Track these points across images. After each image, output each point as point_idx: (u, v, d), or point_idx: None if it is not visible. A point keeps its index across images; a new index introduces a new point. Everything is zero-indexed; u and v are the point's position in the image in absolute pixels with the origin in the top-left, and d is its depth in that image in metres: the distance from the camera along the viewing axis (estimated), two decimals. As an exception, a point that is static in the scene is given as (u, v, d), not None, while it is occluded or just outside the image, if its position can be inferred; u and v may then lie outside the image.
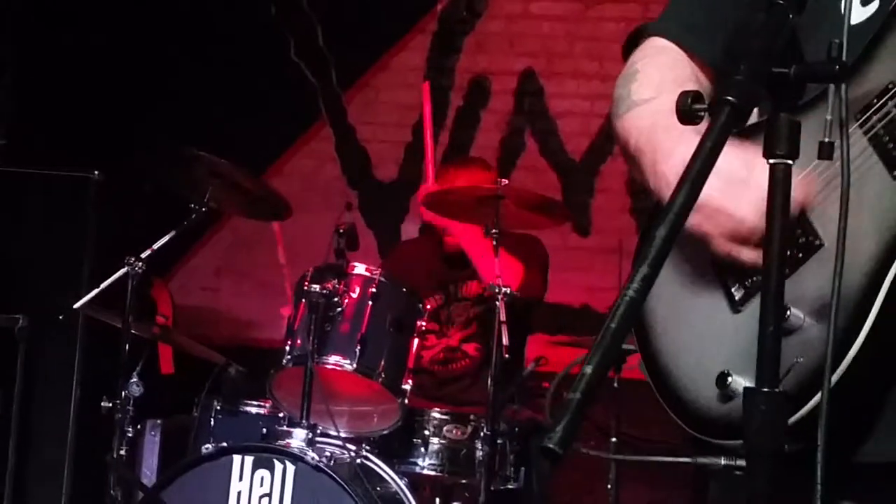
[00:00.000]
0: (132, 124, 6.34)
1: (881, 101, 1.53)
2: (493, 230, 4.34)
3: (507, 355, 4.21)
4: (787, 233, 1.37)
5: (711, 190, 1.43)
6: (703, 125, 1.29)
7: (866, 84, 1.56)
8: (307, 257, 4.71)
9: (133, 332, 4.26)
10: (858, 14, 1.65)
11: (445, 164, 5.47)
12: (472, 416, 4.38)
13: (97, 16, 6.33)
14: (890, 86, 1.52)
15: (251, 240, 6.55)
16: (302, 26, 7.04)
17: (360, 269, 4.26)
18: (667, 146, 1.67)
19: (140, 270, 4.24)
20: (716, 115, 1.25)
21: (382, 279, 4.22)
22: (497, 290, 4.18)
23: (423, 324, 4.33)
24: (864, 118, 1.54)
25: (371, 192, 7.00)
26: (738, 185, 1.54)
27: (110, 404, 4.13)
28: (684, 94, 1.30)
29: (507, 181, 4.46)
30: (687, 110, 1.31)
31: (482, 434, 4.25)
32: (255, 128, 6.76)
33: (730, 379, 1.55)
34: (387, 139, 7.03)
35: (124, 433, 4.14)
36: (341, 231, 4.28)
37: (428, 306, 4.38)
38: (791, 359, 1.47)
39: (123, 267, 4.25)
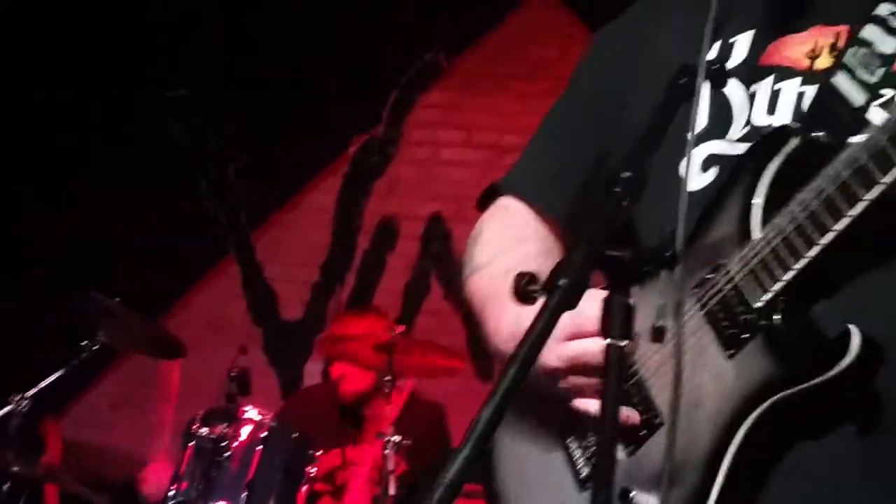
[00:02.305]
0: (33, 260, 6.26)
1: (715, 278, 1.57)
2: (387, 377, 4.35)
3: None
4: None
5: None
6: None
7: (702, 256, 1.60)
8: (205, 396, 4.66)
9: (15, 470, 4.16)
10: (698, 181, 1.70)
11: (343, 312, 5.52)
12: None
13: None
14: (723, 262, 1.57)
15: (148, 376, 6.45)
16: (214, 164, 7.08)
17: (251, 413, 4.22)
18: (494, 320, 1.71)
19: (25, 409, 4.16)
20: (549, 297, 1.28)
21: (273, 424, 4.18)
22: (387, 440, 4.16)
23: (314, 470, 4.28)
24: (699, 293, 1.58)
25: (276, 332, 6.96)
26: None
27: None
28: (519, 276, 1.33)
29: (402, 328, 4.48)
30: (522, 292, 1.33)
31: None
32: (163, 264, 6.73)
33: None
34: (294, 279, 7.03)
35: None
36: (233, 375, 4.26)
37: (320, 461, 4.33)
38: None
39: (9, 404, 4.17)
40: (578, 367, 1.59)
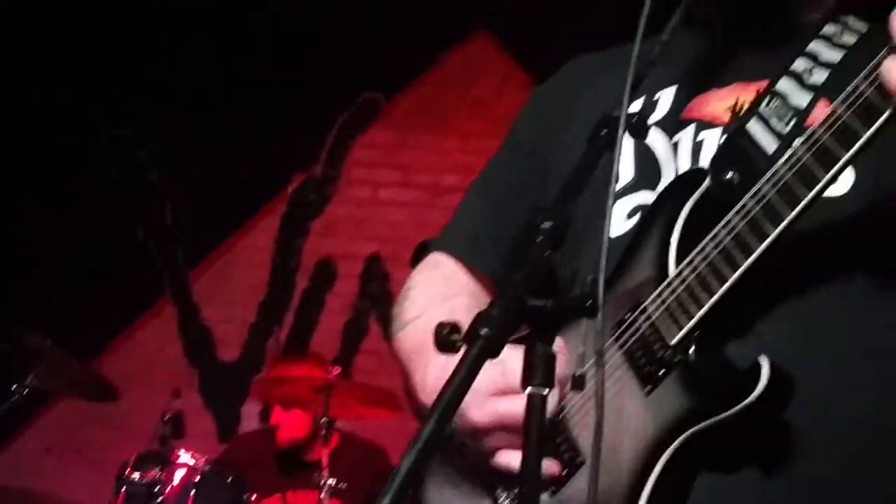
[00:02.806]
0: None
1: (633, 317, 1.60)
2: (323, 418, 4.33)
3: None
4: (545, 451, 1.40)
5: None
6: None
7: (624, 294, 1.63)
8: (139, 440, 4.61)
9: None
10: (622, 227, 1.74)
11: (281, 358, 5.51)
12: None
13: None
14: (641, 301, 1.60)
15: (82, 419, 6.35)
16: (151, 205, 7.03)
17: (184, 457, 4.18)
18: (420, 374, 1.72)
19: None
20: (470, 346, 1.29)
21: (207, 468, 4.15)
22: (322, 483, 4.14)
23: (249, 514, 4.25)
24: (618, 333, 1.61)
25: (213, 373, 6.90)
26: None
27: None
28: (440, 326, 1.33)
29: (338, 369, 4.48)
30: (444, 341, 1.33)
31: None
32: (98, 304, 6.65)
33: None
34: (231, 319, 6.99)
35: None
36: (167, 418, 4.22)
37: (254, 502, 4.30)
38: None
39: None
40: (504, 425, 1.60)
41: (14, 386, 4.26)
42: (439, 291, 1.91)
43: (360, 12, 6.75)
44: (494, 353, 1.29)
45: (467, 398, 1.25)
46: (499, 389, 1.58)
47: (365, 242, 7.00)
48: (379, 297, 6.88)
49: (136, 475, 3.96)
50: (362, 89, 7.05)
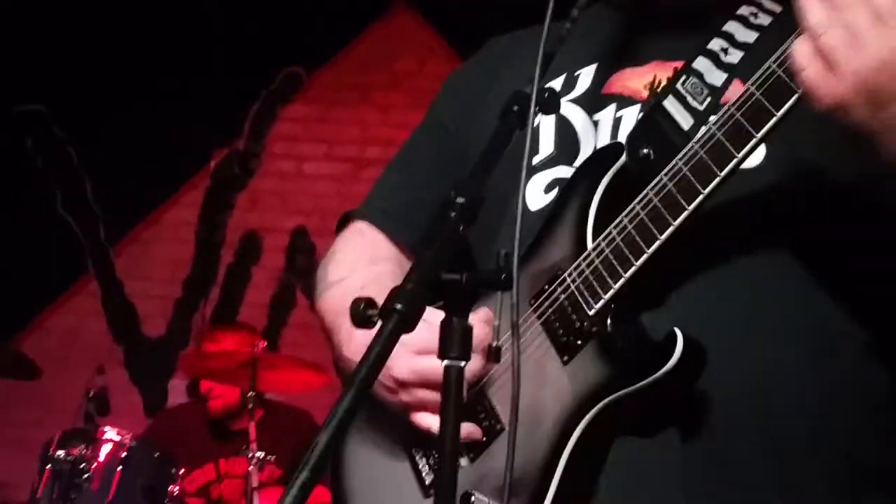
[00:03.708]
0: None
1: (551, 288, 1.64)
2: (250, 392, 4.34)
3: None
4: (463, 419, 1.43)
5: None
6: None
7: (543, 266, 1.67)
8: (64, 418, 4.57)
9: None
10: (541, 201, 1.77)
11: (212, 325, 5.47)
12: None
13: None
14: (559, 273, 1.63)
15: (4, 398, 6.27)
16: (70, 179, 6.94)
17: (110, 433, 4.16)
18: (346, 331, 1.75)
19: None
20: (385, 321, 1.31)
21: (133, 444, 4.13)
22: (250, 456, 4.15)
23: (177, 489, 4.24)
24: (537, 303, 1.65)
25: (138, 349, 6.85)
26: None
27: None
28: (356, 301, 1.34)
29: (263, 343, 4.48)
30: (360, 316, 1.35)
31: None
32: (18, 281, 6.56)
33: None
34: (155, 294, 6.94)
35: None
36: (91, 395, 4.19)
37: (193, 475, 4.30)
38: None
39: None
40: (426, 382, 1.63)
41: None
42: (364, 255, 1.93)
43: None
44: (409, 328, 1.32)
45: (394, 352, 1.28)
46: (424, 348, 1.60)
47: (290, 216, 6.99)
48: (305, 270, 6.87)
49: (61, 453, 3.93)
50: (284, 64, 7.00)
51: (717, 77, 1.69)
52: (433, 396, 1.62)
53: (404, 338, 1.29)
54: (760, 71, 1.50)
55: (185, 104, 6.72)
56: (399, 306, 1.31)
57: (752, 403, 1.60)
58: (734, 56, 1.70)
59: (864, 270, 1.65)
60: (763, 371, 1.61)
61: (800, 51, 1.42)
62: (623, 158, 1.66)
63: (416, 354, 1.63)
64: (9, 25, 6.60)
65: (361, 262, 1.92)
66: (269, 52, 6.86)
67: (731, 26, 1.74)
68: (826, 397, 1.61)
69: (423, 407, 1.66)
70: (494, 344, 1.44)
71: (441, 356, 1.40)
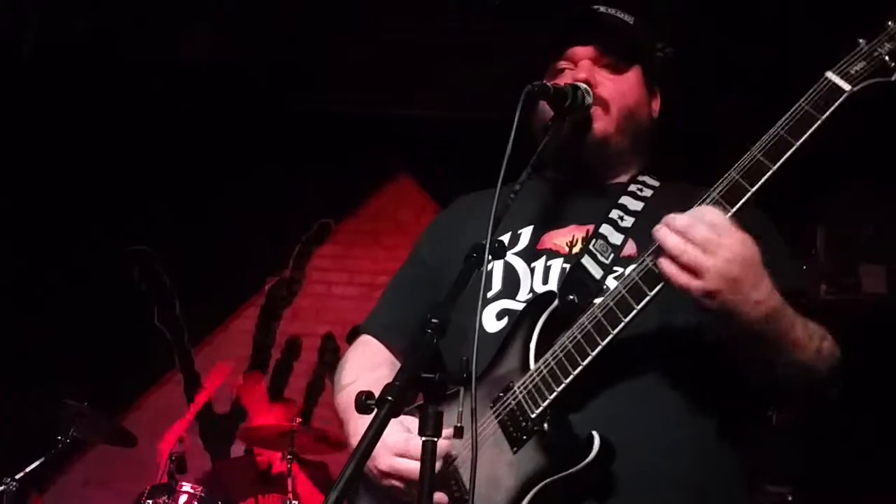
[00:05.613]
0: (10, 373, 5.96)
1: (505, 396, 1.63)
2: (289, 455, 4.26)
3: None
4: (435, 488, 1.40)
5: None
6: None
7: (498, 378, 1.66)
8: (152, 475, 4.46)
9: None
10: (494, 327, 1.77)
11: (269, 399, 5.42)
12: None
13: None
14: (511, 384, 1.63)
15: (110, 460, 6.14)
16: (164, 299, 6.93)
17: (186, 487, 4.07)
18: (352, 427, 1.73)
19: (14, 488, 3.94)
20: (379, 409, 1.31)
21: (202, 495, 4.03)
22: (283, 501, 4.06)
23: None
24: (494, 406, 1.64)
25: (209, 423, 6.74)
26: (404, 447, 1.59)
27: None
28: (359, 394, 1.35)
29: (299, 420, 4.42)
30: (361, 405, 1.35)
31: None
32: (124, 373, 6.50)
33: None
34: (224, 384, 6.84)
35: None
36: (173, 458, 4.11)
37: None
38: None
39: (1, 485, 3.94)
40: (400, 476, 1.61)
41: (60, 437, 4.14)
42: (368, 363, 1.93)
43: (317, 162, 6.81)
44: (396, 414, 1.32)
45: (378, 450, 1.27)
46: (400, 450, 1.59)
47: (322, 325, 6.95)
48: (332, 364, 6.81)
49: (150, 502, 3.83)
50: (318, 217, 7.08)
51: (616, 238, 1.72)
52: (406, 486, 1.61)
53: (387, 441, 1.28)
54: (641, 259, 1.53)
55: (248, 245, 6.76)
56: (389, 398, 1.31)
57: (648, 478, 1.58)
58: (628, 222, 1.73)
59: (716, 386, 1.65)
60: (652, 451, 1.60)
61: (667, 268, 1.44)
62: (555, 303, 1.68)
63: (393, 455, 1.61)
64: (113, 181, 6.67)
65: (365, 370, 1.91)
66: (307, 208, 6.94)
67: (625, 199, 1.77)
68: (700, 469, 1.60)
69: (399, 490, 1.64)
70: (458, 425, 1.43)
71: (420, 434, 1.39)
